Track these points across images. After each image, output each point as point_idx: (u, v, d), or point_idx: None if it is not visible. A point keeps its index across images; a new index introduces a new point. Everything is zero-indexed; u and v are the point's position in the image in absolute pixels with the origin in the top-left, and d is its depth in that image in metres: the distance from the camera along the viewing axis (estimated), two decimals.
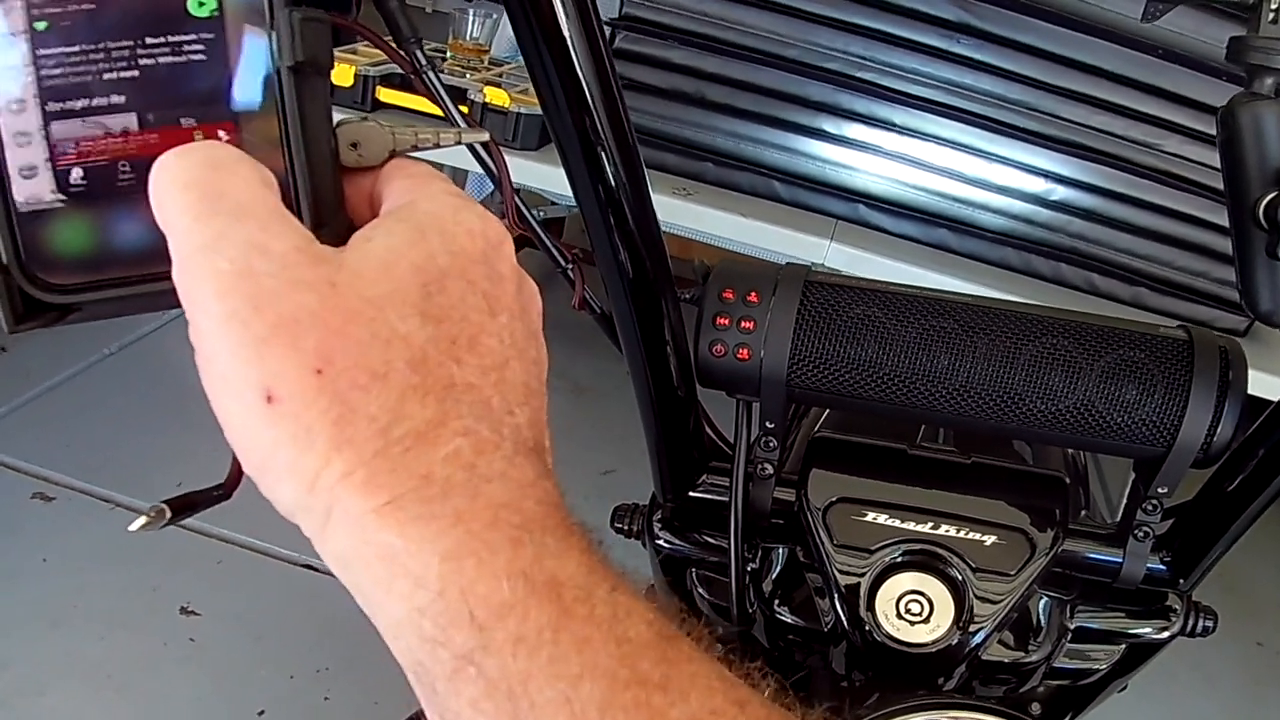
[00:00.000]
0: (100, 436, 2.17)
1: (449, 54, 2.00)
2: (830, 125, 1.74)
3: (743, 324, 0.63)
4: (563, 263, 0.65)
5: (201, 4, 0.37)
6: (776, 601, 0.75)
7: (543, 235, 0.63)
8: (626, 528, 0.78)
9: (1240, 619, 2.37)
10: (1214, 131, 1.52)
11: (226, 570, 1.93)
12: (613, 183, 0.58)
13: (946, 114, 1.69)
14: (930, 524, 0.66)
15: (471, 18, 1.99)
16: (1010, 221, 1.74)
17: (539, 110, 1.78)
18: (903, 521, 0.66)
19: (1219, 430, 0.60)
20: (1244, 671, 2.22)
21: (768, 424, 0.67)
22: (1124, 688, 0.86)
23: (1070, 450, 0.86)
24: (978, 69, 1.66)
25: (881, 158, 1.75)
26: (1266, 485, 0.63)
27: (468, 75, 1.90)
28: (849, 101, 1.72)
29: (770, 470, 0.69)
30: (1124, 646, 0.74)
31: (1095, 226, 1.70)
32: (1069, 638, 0.72)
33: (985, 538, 0.65)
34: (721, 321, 0.63)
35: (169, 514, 0.42)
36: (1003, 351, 0.61)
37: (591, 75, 0.53)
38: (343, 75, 1.87)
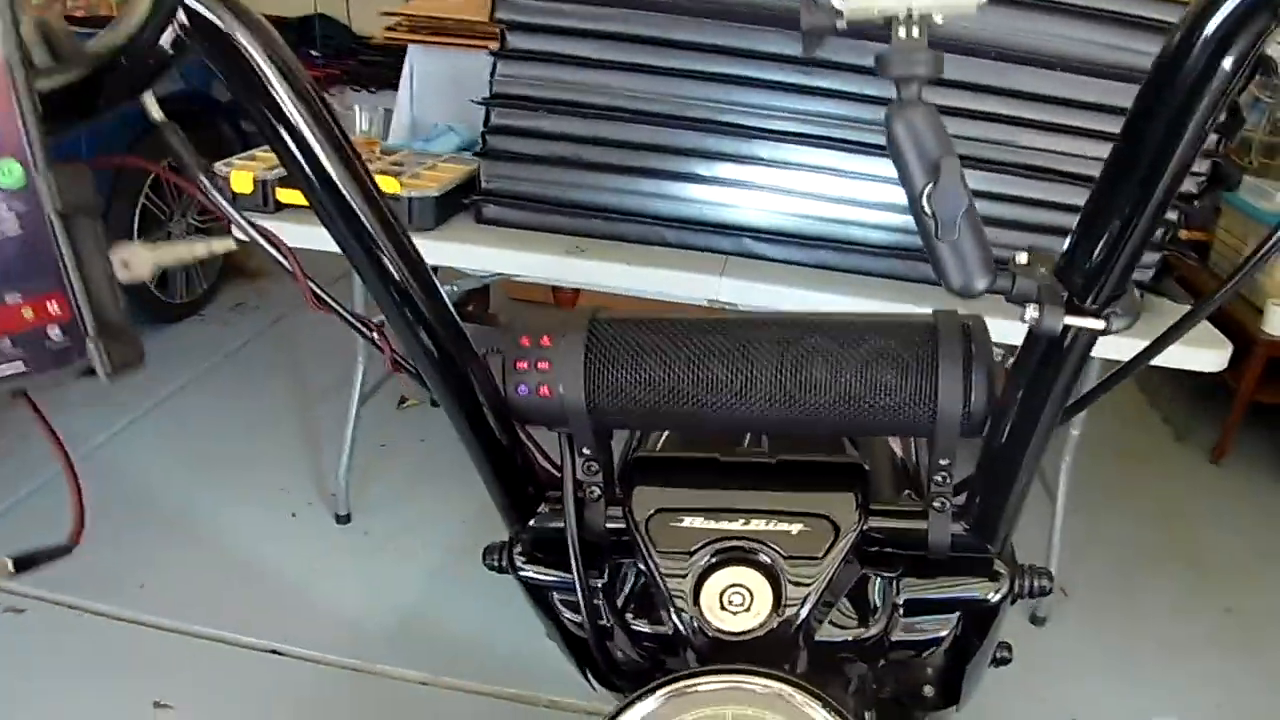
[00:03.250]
0: None
1: None
2: (703, 168, 1.82)
3: (539, 365, 0.69)
4: (367, 333, 0.72)
5: (9, 173, 0.44)
6: (630, 614, 0.81)
7: (341, 311, 0.70)
8: (496, 563, 0.83)
9: (1207, 587, 2.43)
10: (1065, 121, 1.62)
11: (194, 663, 2.01)
12: (395, 273, 0.65)
13: (808, 142, 1.78)
14: (741, 521, 0.72)
15: (358, 113, 2.08)
16: (889, 234, 1.82)
17: (430, 192, 1.88)
18: (716, 522, 0.72)
19: (973, 400, 0.66)
20: (1212, 639, 2.27)
21: (584, 450, 0.74)
22: (1006, 660, 0.91)
23: (890, 441, 0.93)
24: (831, 96, 1.75)
25: (757, 191, 1.83)
26: (1028, 442, 0.70)
27: None
28: (717, 144, 1.80)
29: (598, 493, 0.76)
30: (957, 614, 0.79)
31: None
32: (900, 612, 0.78)
33: (792, 527, 0.72)
34: (521, 365, 0.70)
35: (11, 568, 0.48)
36: (770, 355, 0.68)
37: (352, 185, 0.60)
38: (242, 182, 1.94)
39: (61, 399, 2.74)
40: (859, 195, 1.80)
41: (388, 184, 1.88)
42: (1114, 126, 1.72)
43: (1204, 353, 1.78)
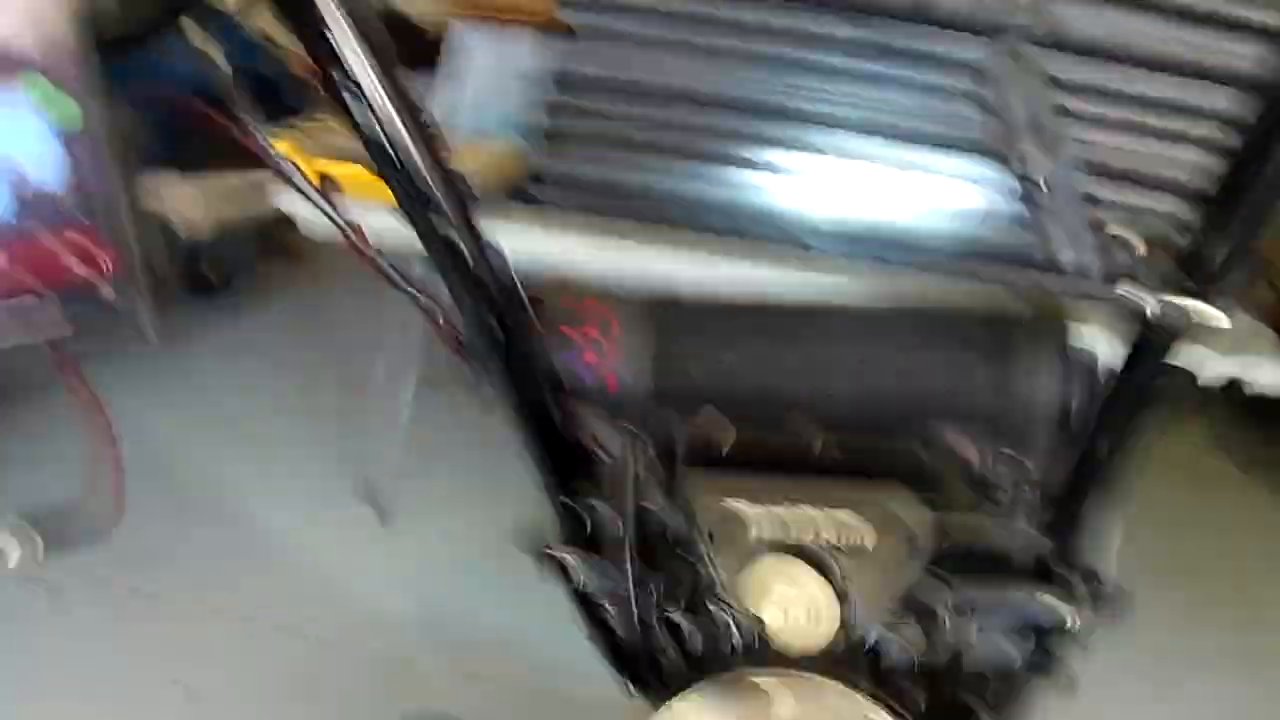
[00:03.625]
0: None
1: None
2: (761, 155, 1.77)
3: (606, 351, 0.66)
4: (431, 308, 0.67)
5: (70, 117, 0.41)
6: (681, 615, 0.76)
7: (402, 285, 0.66)
8: (537, 553, 0.79)
9: (1234, 603, 2.34)
10: (1121, 115, 1.54)
11: (217, 646, 1.99)
12: (461, 246, 0.61)
13: (872, 132, 1.72)
14: (809, 527, 0.68)
15: None
16: (955, 237, 1.76)
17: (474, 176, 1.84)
18: (782, 527, 0.68)
19: (1050, 391, 0.62)
20: (1236, 653, 2.19)
21: (646, 441, 0.69)
22: (1070, 684, 0.86)
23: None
24: (898, 85, 1.69)
25: (819, 182, 1.78)
26: (1119, 453, 0.65)
27: None
28: (778, 131, 1.76)
29: (658, 486, 0.72)
30: (1032, 635, 0.74)
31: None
32: (975, 631, 0.73)
33: (862, 533, 0.67)
34: (587, 350, 0.66)
35: (43, 552, 0.46)
36: (840, 339, 0.63)
37: (423, 154, 0.56)
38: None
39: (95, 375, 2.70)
40: (922, 191, 1.75)
41: None
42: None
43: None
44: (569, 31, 1.79)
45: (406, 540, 2.35)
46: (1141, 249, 0.55)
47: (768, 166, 1.79)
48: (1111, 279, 0.54)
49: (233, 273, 3.34)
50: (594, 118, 1.82)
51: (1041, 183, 0.50)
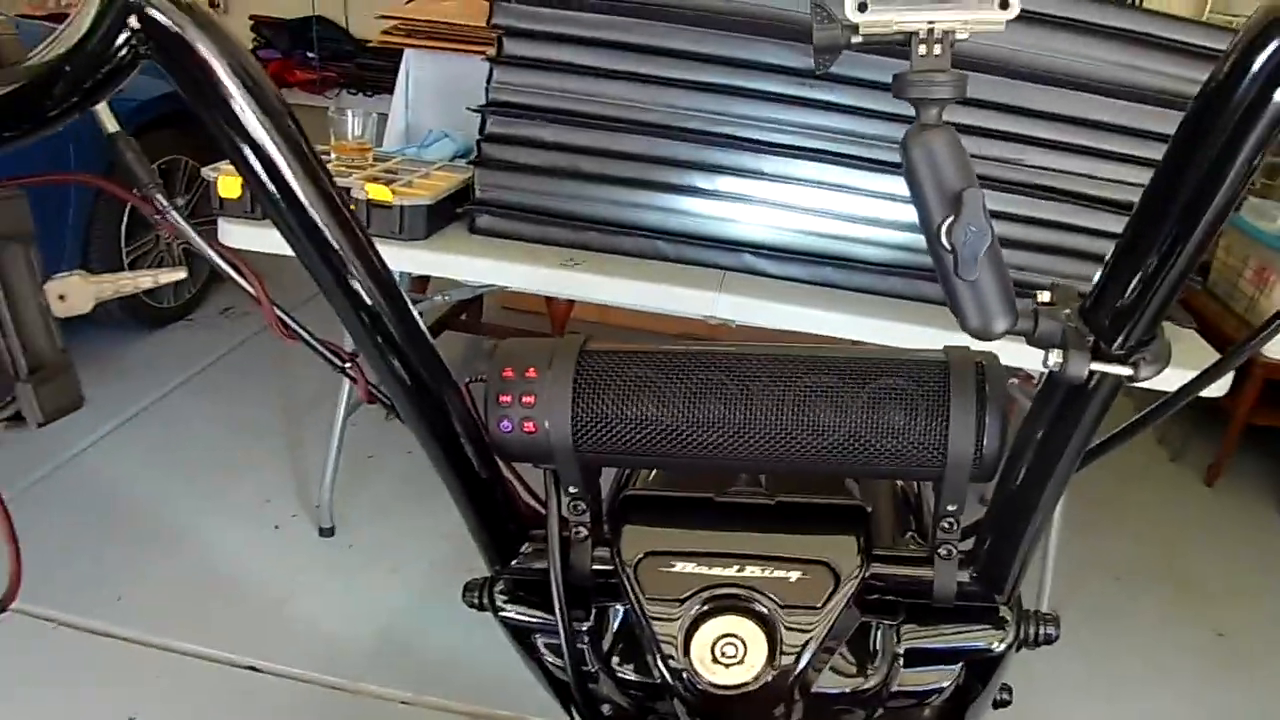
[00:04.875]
0: (40, 558, 2.19)
1: (333, 155, 2.04)
2: (702, 181, 1.78)
3: (524, 399, 0.65)
4: (338, 363, 0.67)
5: None
6: (616, 659, 0.76)
7: (310, 340, 0.65)
8: (476, 601, 0.79)
9: (1197, 612, 2.40)
10: (1068, 139, 1.58)
11: (169, 678, 1.95)
12: (366, 298, 0.60)
13: (809, 156, 1.73)
14: (736, 567, 0.68)
15: (350, 117, 2.03)
16: (891, 252, 1.78)
17: (423, 201, 1.83)
18: (710, 568, 0.68)
19: (985, 444, 0.62)
20: (1204, 663, 2.24)
21: (571, 489, 0.69)
22: (1006, 702, 0.87)
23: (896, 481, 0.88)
24: (832, 110, 1.71)
25: (756, 206, 1.79)
26: (1042, 489, 0.65)
27: (352, 175, 1.93)
28: (716, 156, 1.76)
29: (585, 533, 0.71)
30: (961, 664, 0.75)
31: None
32: (901, 661, 0.74)
33: (790, 573, 0.67)
34: (504, 399, 0.65)
35: None
36: (771, 394, 0.63)
37: (320, 205, 0.56)
38: (229, 187, 1.90)
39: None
40: (860, 211, 1.76)
41: (379, 192, 1.84)
42: (1128, 148, 1.68)
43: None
44: (513, 60, 1.79)
45: (352, 559, 2.34)
46: (1066, 314, 0.55)
47: (709, 192, 1.80)
48: (1042, 348, 0.54)
49: (181, 302, 3.33)
50: (536, 145, 1.82)
51: (958, 253, 0.50)
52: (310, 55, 5.38)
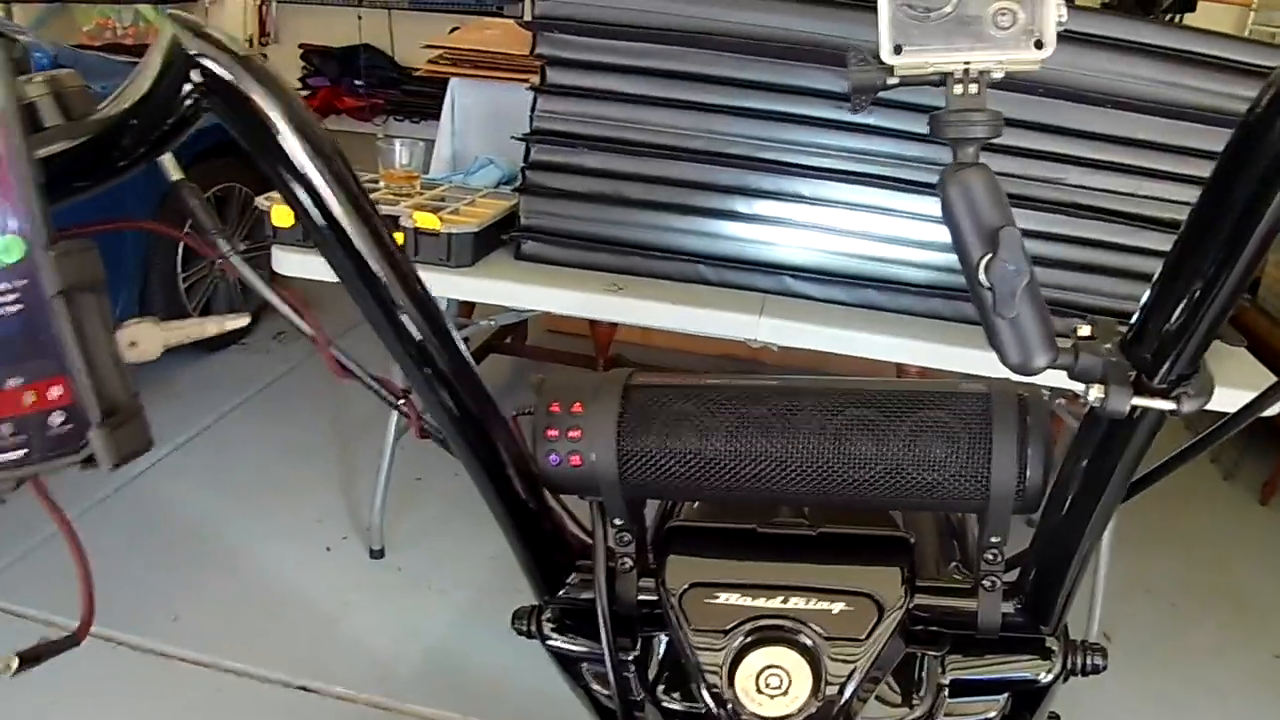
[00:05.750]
0: (100, 578, 2.20)
1: (382, 183, 2.08)
2: (743, 205, 1.79)
3: (570, 433, 0.66)
4: (393, 400, 0.69)
5: (7, 249, 0.42)
6: (661, 688, 0.77)
7: (365, 378, 0.67)
8: (525, 629, 0.81)
9: (1254, 634, 2.36)
10: (1109, 158, 1.57)
11: (225, 697, 1.99)
12: (416, 334, 0.62)
13: (851, 179, 1.74)
14: (780, 598, 0.68)
15: (398, 146, 2.07)
16: (933, 273, 1.78)
17: (469, 229, 1.86)
18: (753, 599, 0.69)
19: (1028, 477, 0.62)
20: (1262, 687, 2.21)
21: (616, 520, 0.70)
22: None
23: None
24: (872, 133, 1.72)
25: (798, 229, 1.80)
26: (1087, 521, 0.65)
27: (400, 203, 1.96)
28: (757, 181, 1.78)
29: (630, 564, 0.73)
30: (1006, 694, 0.75)
31: None
32: (946, 692, 0.74)
33: (834, 605, 0.68)
34: (551, 433, 0.67)
35: (16, 664, 0.47)
36: (813, 427, 0.64)
37: (369, 242, 0.58)
38: (283, 216, 1.94)
39: None
40: (901, 233, 1.76)
41: (426, 220, 1.87)
42: (1171, 165, 1.67)
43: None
44: (556, 88, 1.82)
45: (401, 581, 2.36)
46: (1106, 348, 0.55)
47: (751, 216, 1.81)
48: (1084, 383, 0.55)
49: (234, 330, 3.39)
50: (580, 172, 1.84)
51: (998, 289, 0.51)
52: (358, 83, 5.47)
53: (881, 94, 0.57)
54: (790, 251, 1.82)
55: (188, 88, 0.53)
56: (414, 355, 0.62)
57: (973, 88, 0.52)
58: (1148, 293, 0.56)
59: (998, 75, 0.52)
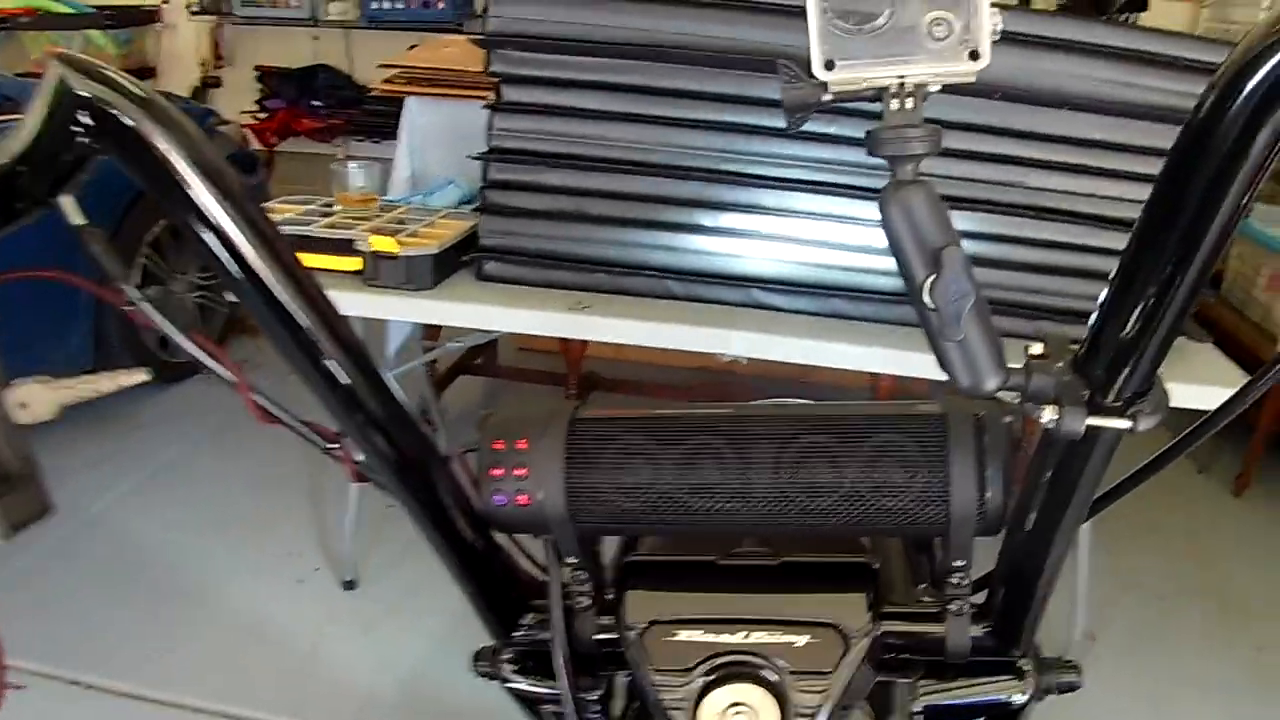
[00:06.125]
0: (63, 619, 2.20)
1: (338, 206, 2.05)
2: (708, 219, 1.77)
3: (516, 471, 0.64)
4: (323, 445, 0.66)
5: None
6: None
7: (292, 424, 0.64)
8: (487, 671, 0.78)
9: (1234, 627, 2.36)
10: (1065, 159, 1.56)
11: None
12: (344, 379, 0.59)
13: (815, 189, 1.72)
14: (743, 633, 0.66)
15: (352, 168, 2.04)
16: (899, 280, 1.76)
17: (429, 251, 1.83)
18: (716, 635, 0.66)
19: (988, 497, 0.60)
20: (1246, 678, 2.20)
21: (570, 559, 0.68)
22: None
23: None
24: (833, 141, 1.70)
25: (763, 240, 1.78)
26: (1051, 541, 0.64)
27: (357, 226, 1.93)
28: (720, 193, 1.75)
29: (587, 602, 0.70)
30: (981, 718, 0.73)
31: (981, 269, 1.72)
32: (918, 719, 0.72)
33: (798, 638, 0.66)
34: (496, 472, 0.64)
35: None
36: (767, 457, 0.62)
37: (286, 285, 0.55)
38: None
39: (63, 465, 2.73)
40: (867, 241, 1.74)
41: (384, 243, 1.84)
42: (1127, 165, 1.67)
43: (1226, 391, 1.70)
44: (512, 106, 1.79)
45: (377, 610, 2.32)
46: (1059, 367, 0.53)
47: (715, 229, 1.79)
48: (1035, 403, 0.53)
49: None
50: (540, 190, 1.81)
51: (944, 310, 0.49)
52: (316, 104, 5.42)
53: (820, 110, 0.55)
54: (757, 263, 1.79)
55: (77, 131, 0.50)
56: (342, 397, 0.60)
57: (909, 102, 0.50)
58: (1097, 310, 0.54)
59: (934, 89, 0.50)
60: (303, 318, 0.56)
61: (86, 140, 0.50)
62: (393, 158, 2.50)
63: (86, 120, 0.50)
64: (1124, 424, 0.53)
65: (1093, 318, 0.54)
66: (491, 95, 1.83)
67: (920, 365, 1.70)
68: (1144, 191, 0.50)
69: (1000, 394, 0.53)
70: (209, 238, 0.52)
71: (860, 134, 1.65)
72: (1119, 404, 0.53)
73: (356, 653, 2.18)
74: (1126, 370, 0.52)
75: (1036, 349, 0.55)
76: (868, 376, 2.03)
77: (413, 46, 2.88)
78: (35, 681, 2.03)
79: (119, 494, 2.70)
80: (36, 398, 0.39)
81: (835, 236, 1.75)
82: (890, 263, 1.68)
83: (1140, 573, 2.52)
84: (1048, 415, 0.52)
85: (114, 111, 0.50)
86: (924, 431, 0.61)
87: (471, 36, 1.90)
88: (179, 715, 1.99)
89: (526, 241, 1.86)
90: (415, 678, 2.12)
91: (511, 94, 1.80)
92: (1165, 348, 0.52)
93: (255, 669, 2.12)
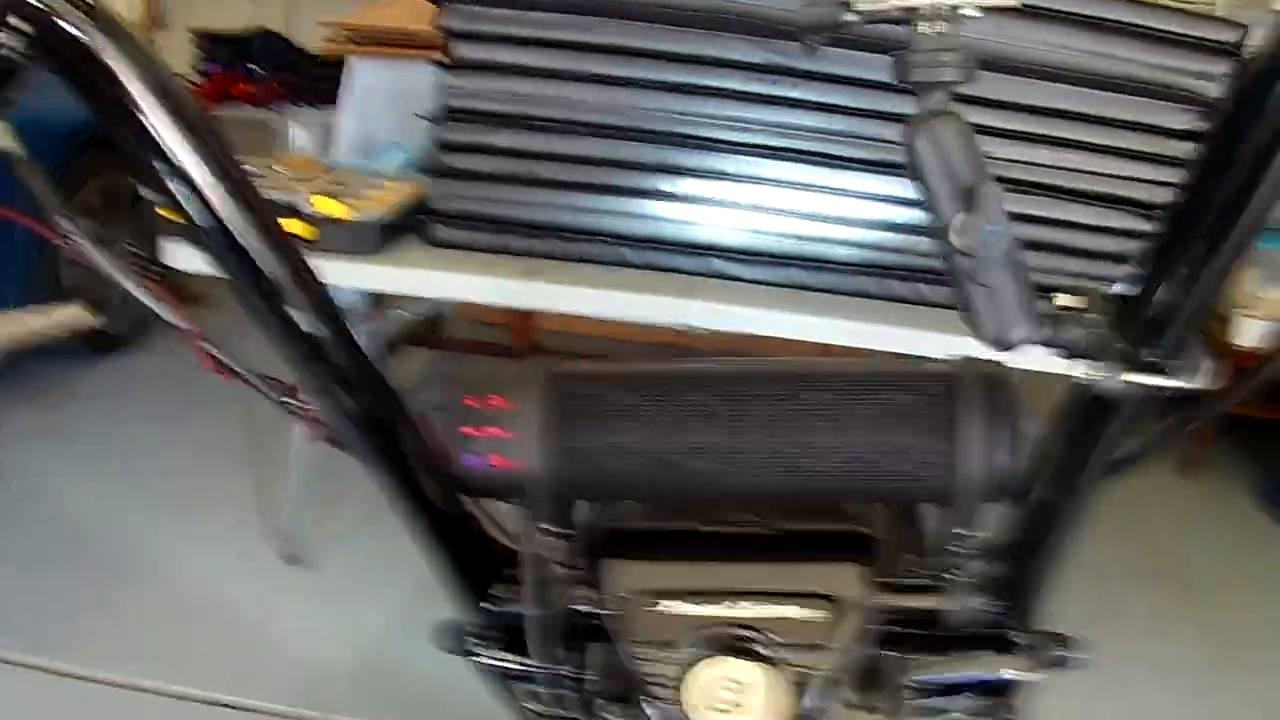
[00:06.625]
0: None
1: (278, 168, 1.96)
2: (665, 184, 1.72)
3: (490, 431, 0.59)
4: (276, 397, 0.60)
5: None
6: (602, 704, 0.70)
7: (246, 375, 0.59)
8: (452, 645, 0.73)
9: (1183, 605, 2.39)
10: (1033, 129, 1.53)
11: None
12: (303, 324, 0.54)
13: (777, 155, 1.68)
14: (731, 604, 0.62)
15: (293, 128, 1.96)
16: (861, 251, 1.73)
17: (374, 214, 1.76)
18: (702, 606, 0.62)
19: (996, 462, 0.57)
20: (1199, 656, 2.22)
21: (545, 524, 0.63)
22: None
23: None
24: (799, 107, 1.66)
25: (723, 208, 1.73)
26: (1064, 508, 0.60)
27: (300, 189, 1.85)
28: (679, 158, 1.70)
29: (563, 570, 0.65)
30: (976, 693, 0.70)
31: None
32: (914, 694, 0.68)
33: (790, 610, 0.62)
34: (468, 431, 0.59)
35: None
36: (763, 416, 0.58)
37: (249, 226, 0.49)
38: None
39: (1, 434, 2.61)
40: (829, 211, 1.71)
41: (328, 205, 1.76)
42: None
43: None
44: (463, 64, 1.72)
45: (328, 584, 2.25)
46: (1092, 319, 0.49)
47: (673, 195, 1.74)
48: (1067, 357, 0.49)
49: (133, 328, 3.21)
50: (492, 152, 1.75)
51: (974, 253, 0.45)
52: (254, 68, 5.27)
53: (806, 64, 0.50)
54: (716, 231, 1.75)
55: (3, 36, 0.44)
56: (303, 346, 0.54)
57: (943, 26, 0.45)
58: (1142, 260, 0.50)
59: (972, 13, 0.46)
60: (264, 260, 0.50)
61: (18, 51, 0.44)
62: (332, 123, 2.41)
63: (21, 26, 0.43)
64: (1167, 381, 0.49)
65: (1134, 271, 0.50)
66: (440, 54, 1.76)
67: (880, 338, 1.67)
68: (1159, 172, 0.47)
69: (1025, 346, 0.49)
70: (165, 168, 0.46)
71: (825, 99, 1.60)
72: (1159, 360, 0.49)
73: (307, 628, 2.11)
74: (1169, 324, 0.49)
75: (1066, 300, 0.51)
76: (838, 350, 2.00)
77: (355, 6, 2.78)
78: None
79: (54, 466, 2.58)
80: None
81: (797, 205, 1.71)
82: (852, 233, 1.65)
83: (1090, 554, 2.53)
84: (1081, 369, 0.49)
85: (65, 24, 0.43)
86: (930, 391, 0.57)
87: None
88: (118, 694, 1.90)
89: (478, 205, 1.80)
90: (370, 654, 2.05)
91: (463, 51, 1.73)
92: (1207, 305, 0.49)
93: (200, 646, 2.03)
